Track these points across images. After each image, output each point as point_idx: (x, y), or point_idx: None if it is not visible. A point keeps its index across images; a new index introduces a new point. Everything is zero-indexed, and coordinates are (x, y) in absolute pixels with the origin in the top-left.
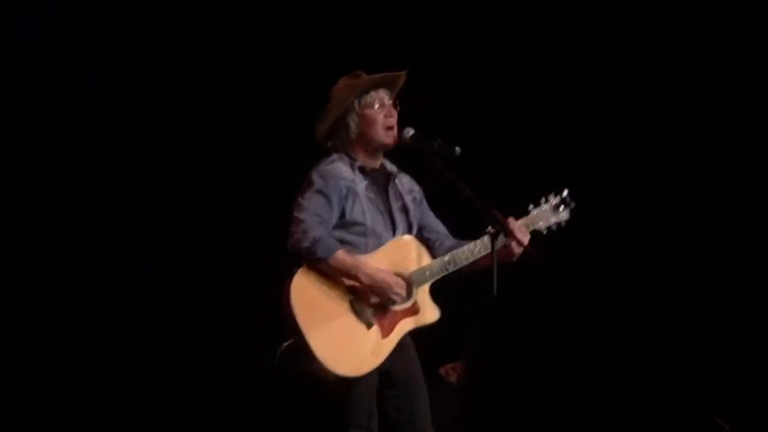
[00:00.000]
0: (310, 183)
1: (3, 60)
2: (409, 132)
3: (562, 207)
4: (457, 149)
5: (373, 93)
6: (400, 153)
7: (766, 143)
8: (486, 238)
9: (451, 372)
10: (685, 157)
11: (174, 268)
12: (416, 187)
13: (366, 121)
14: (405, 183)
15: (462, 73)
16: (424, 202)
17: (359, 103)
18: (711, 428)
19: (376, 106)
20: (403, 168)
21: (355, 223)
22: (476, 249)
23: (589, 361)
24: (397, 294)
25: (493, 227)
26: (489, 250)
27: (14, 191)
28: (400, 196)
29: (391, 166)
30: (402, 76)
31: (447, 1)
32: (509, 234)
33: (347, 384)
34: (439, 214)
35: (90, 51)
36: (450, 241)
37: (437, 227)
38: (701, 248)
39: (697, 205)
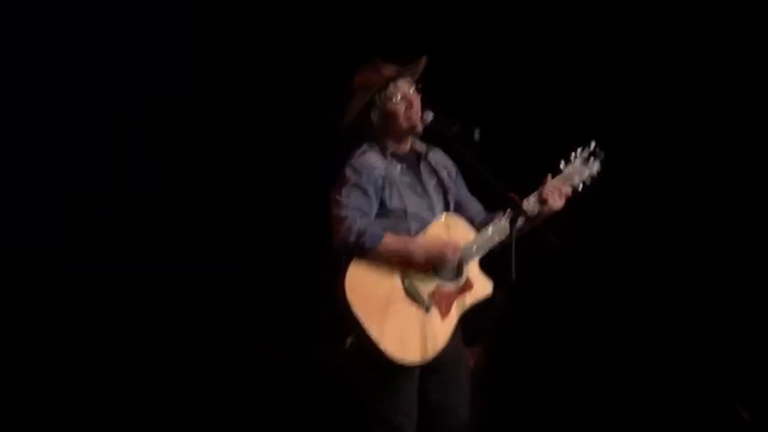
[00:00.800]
0: (346, 179)
1: (3, 60)
2: (429, 115)
3: (592, 159)
4: (477, 132)
5: (391, 86)
6: (420, 136)
7: (766, 143)
8: (529, 201)
9: (469, 356)
10: (684, 157)
11: (174, 268)
12: (449, 162)
13: (388, 114)
14: (438, 159)
15: (461, 73)
16: (460, 178)
17: (380, 98)
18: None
19: (398, 98)
20: None
21: (395, 210)
22: (518, 218)
23: (606, 349)
24: (453, 255)
25: (511, 210)
26: (535, 212)
27: (14, 191)
28: (434, 173)
29: (420, 145)
30: (422, 63)
31: (447, 1)
32: (527, 216)
33: (394, 371)
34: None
35: (90, 51)
36: (483, 215)
37: (472, 203)
38: (701, 248)
39: (696, 205)
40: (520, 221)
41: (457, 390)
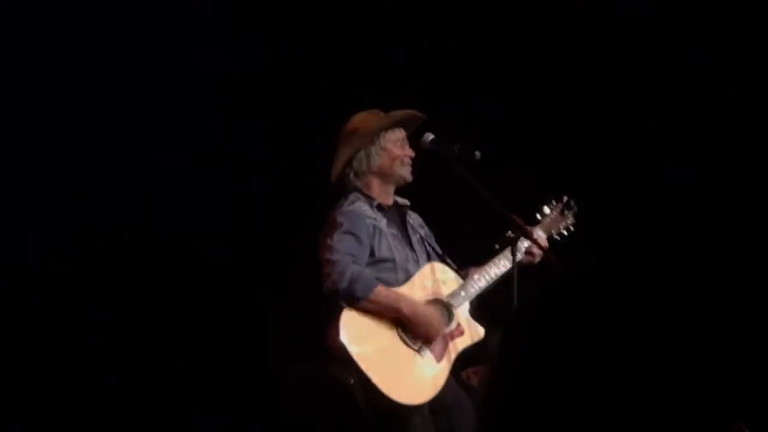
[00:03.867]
0: (338, 224)
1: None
2: (429, 137)
3: (566, 212)
4: (477, 153)
5: (397, 130)
6: (419, 159)
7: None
8: (507, 252)
9: (472, 376)
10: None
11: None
12: (423, 223)
13: (388, 155)
14: (414, 218)
15: (460, 73)
16: (433, 238)
17: (383, 138)
18: None
19: (398, 143)
20: (422, 173)
21: (385, 260)
22: (501, 262)
23: (614, 369)
24: (435, 329)
25: (512, 232)
26: (511, 260)
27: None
28: (415, 230)
29: (402, 201)
30: (421, 118)
31: (447, 1)
32: (529, 237)
33: (404, 414)
34: (458, 218)
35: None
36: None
37: (447, 261)
38: (704, 249)
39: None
40: (522, 244)
41: (456, 415)
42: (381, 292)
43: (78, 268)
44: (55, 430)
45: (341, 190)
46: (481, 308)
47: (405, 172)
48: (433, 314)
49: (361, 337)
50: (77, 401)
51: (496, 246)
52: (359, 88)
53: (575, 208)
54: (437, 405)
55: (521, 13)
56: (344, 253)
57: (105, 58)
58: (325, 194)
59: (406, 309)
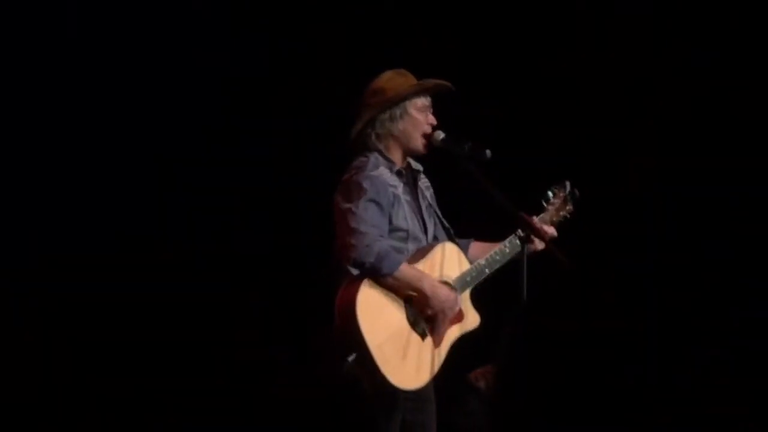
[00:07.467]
0: (362, 190)
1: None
2: (440, 135)
3: (569, 199)
4: (488, 152)
5: (423, 98)
6: (429, 156)
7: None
8: (514, 239)
9: (480, 377)
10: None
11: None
12: (429, 184)
13: (413, 123)
14: (423, 181)
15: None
16: (435, 200)
17: (409, 104)
18: None
19: (423, 110)
20: (433, 170)
21: (399, 229)
22: (506, 250)
23: (618, 368)
24: (451, 311)
25: (522, 231)
26: (518, 250)
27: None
28: (425, 195)
29: (416, 165)
30: (448, 86)
31: (447, 1)
32: (539, 235)
33: (389, 395)
34: (465, 215)
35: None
36: (456, 240)
37: (447, 226)
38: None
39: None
40: (529, 241)
41: (427, 408)
42: (405, 269)
43: (78, 269)
44: (55, 430)
45: (359, 148)
46: (489, 304)
47: (420, 143)
48: (451, 295)
49: (374, 316)
50: (77, 401)
51: (506, 246)
52: (359, 88)
53: (577, 195)
54: (415, 394)
55: (521, 13)
56: (370, 225)
57: (105, 58)
58: (323, 193)
59: (427, 288)
